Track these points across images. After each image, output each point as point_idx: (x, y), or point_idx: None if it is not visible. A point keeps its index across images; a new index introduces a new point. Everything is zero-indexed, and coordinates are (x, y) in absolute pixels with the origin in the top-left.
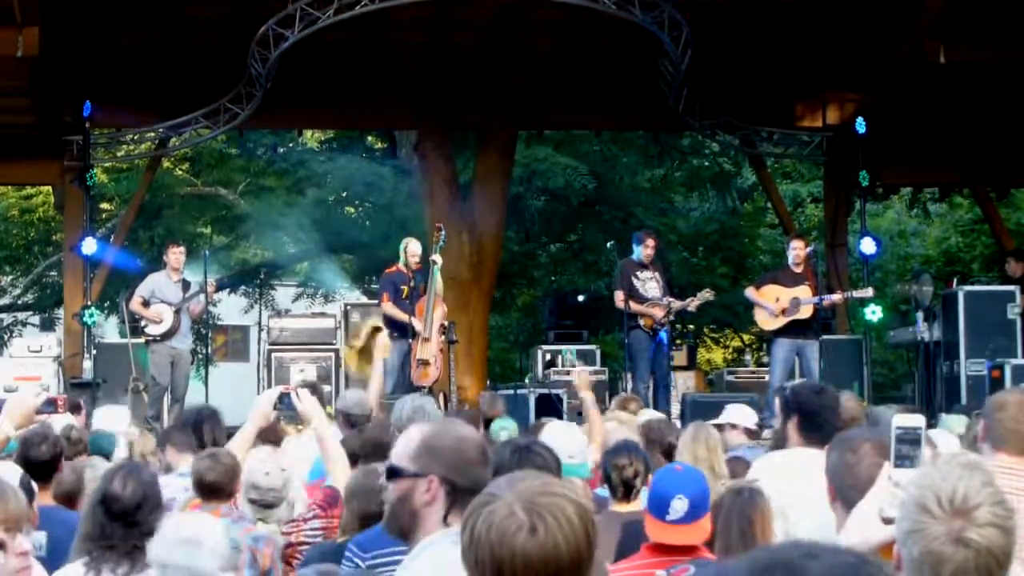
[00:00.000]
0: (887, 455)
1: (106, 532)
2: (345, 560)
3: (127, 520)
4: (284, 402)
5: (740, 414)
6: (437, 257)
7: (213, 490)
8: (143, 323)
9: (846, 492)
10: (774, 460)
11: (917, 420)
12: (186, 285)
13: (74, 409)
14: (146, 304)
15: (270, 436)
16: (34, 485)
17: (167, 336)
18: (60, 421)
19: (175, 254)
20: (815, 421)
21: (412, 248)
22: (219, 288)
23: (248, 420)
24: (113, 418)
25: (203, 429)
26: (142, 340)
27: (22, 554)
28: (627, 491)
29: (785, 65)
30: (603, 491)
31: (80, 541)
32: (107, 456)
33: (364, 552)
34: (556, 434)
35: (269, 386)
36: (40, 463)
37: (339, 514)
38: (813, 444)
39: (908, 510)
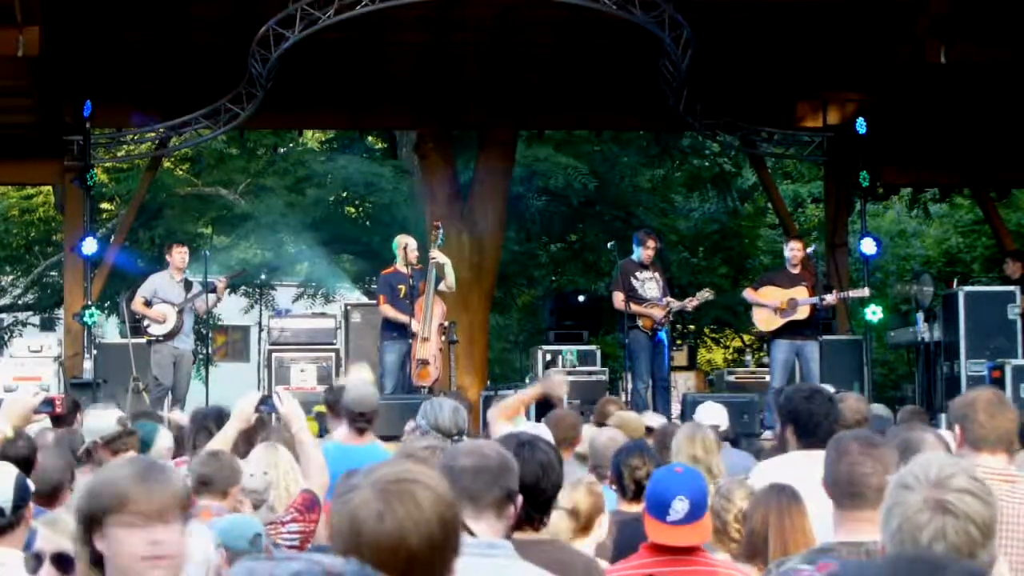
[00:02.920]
0: (871, 454)
1: None
2: None
3: None
4: (266, 404)
5: (709, 413)
6: (437, 253)
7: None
8: (145, 323)
9: (831, 489)
10: (773, 465)
11: None
12: (188, 285)
13: (73, 408)
14: (148, 304)
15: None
16: (31, 484)
17: (170, 336)
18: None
19: (180, 254)
20: (808, 426)
21: (411, 244)
22: (230, 285)
23: (229, 421)
24: (99, 421)
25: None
26: (143, 340)
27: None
28: (637, 491)
29: (785, 65)
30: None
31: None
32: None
33: None
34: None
35: (270, 386)
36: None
37: (316, 519)
38: (812, 448)
39: (890, 492)
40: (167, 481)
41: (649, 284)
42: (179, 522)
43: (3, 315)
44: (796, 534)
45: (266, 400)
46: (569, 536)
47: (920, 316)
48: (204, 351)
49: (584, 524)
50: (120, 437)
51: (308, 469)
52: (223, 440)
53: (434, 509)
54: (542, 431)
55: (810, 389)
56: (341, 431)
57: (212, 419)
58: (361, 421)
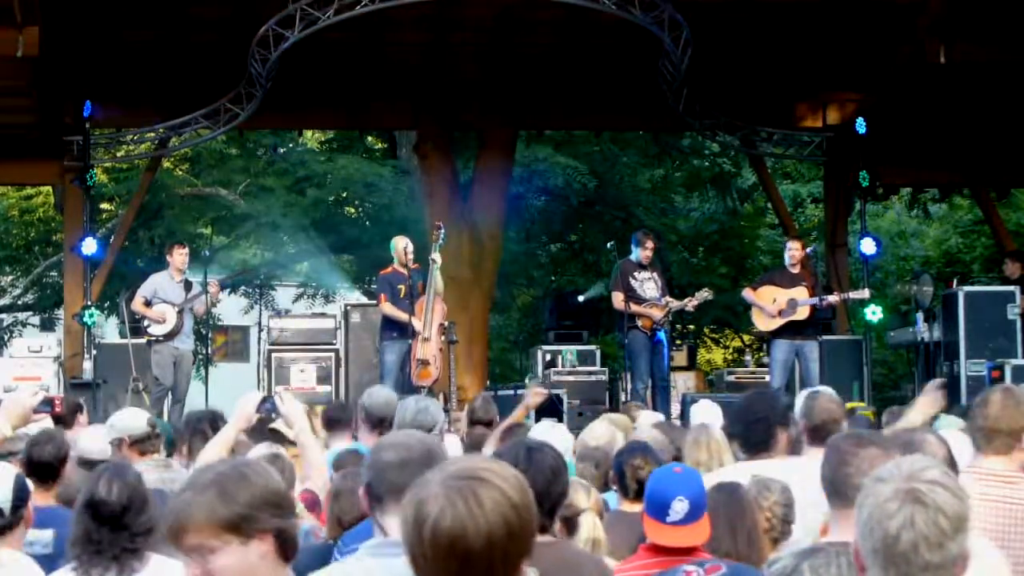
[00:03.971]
0: (857, 453)
1: (93, 537)
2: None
3: (114, 524)
4: (267, 404)
5: (704, 412)
6: (436, 256)
7: None
8: (145, 323)
9: (824, 490)
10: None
11: None
12: (188, 285)
13: (74, 410)
14: (148, 304)
15: (270, 434)
16: (30, 485)
17: (170, 336)
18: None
19: (180, 255)
20: (743, 434)
21: (408, 246)
22: (221, 288)
23: (229, 422)
24: (129, 420)
25: (219, 428)
26: (143, 340)
27: None
28: (640, 491)
29: (785, 65)
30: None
31: (70, 546)
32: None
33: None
34: (541, 433)
35: (269, 386)
36: (43, 464)
37: (316, 518)
38: (753, 458)
39: (864, 487)
40: (195, 509)
41: (648, 284)
42: (218, 552)
43: (3, 315)
44: (738, 533)
45: (267, 400)
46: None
47: (920, 316)
48: (204, 351)
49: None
50: (148, 439)
51: (309, 469)
52: (223, 441)
53: (497, 510)
54: (557, 433)
55: (751, 397)
56: (364, 435)
57: (207, 422)
58: (383, 426)
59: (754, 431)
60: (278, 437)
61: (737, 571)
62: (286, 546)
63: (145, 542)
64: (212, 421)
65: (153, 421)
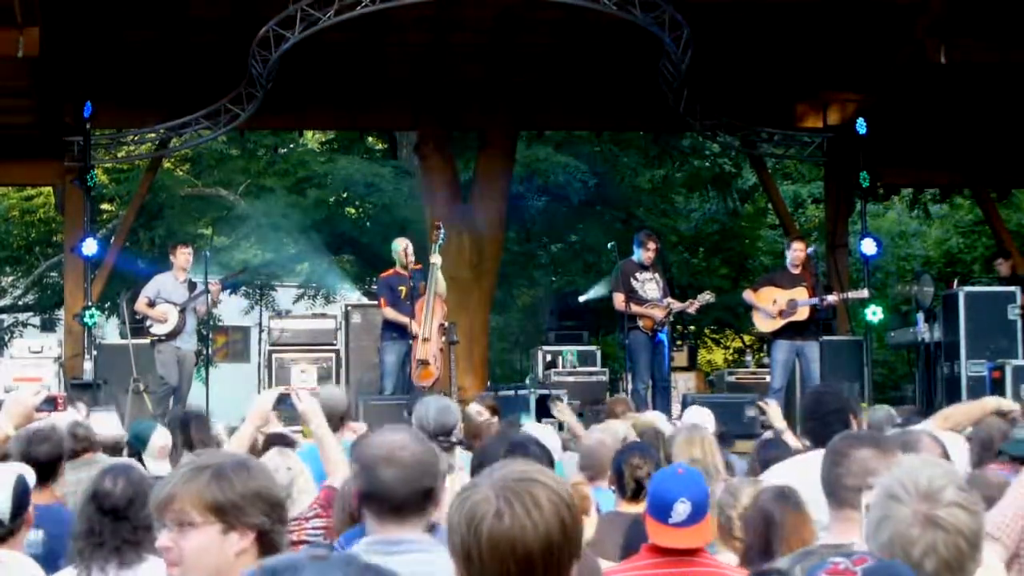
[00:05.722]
0: (848, 455)
1: (95, 529)
2: None
3: (116, 515)
4: (284, 403)
5: (696, 418)
6: (436, 257)
7: None
8: (148, 323)
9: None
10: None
11: None
12: (192, 285)
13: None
14: (152, 305)
15: (281, 442)
16: (30, 484)
17: (172, 336)
18: (65, 417)
19: (184, 255)
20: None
21: (409, 247)
22: (223, 287)
23: (246, 420)
24: (102, 426)
25: (189, 429)
26: (145, 341)
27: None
28: (637, 491)
29: (785, 66)
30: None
31: (73, 541)
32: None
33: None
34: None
35: (270, 387)
36: (40, 463)
37: None
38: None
39: (878, 500)
40: (186, 483)
41: (649, 285)
42: (197, 528)
43: (3, 316)
44: (792, 539)
45: (284, 398)
46: None
47: (920, 316)
48: (205, 352)
49: None
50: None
51: (329, 465)
52: (240, 440)
53: (553, 510)
54: (548, 432)
55: (820, 392)
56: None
57: (191, 421)
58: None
59: (831, 423)
60: (284, 441)
61: (883, 564)
62: (267, 552)
63: (147, 536)
64: (184, 424)
65: (76, 428)
